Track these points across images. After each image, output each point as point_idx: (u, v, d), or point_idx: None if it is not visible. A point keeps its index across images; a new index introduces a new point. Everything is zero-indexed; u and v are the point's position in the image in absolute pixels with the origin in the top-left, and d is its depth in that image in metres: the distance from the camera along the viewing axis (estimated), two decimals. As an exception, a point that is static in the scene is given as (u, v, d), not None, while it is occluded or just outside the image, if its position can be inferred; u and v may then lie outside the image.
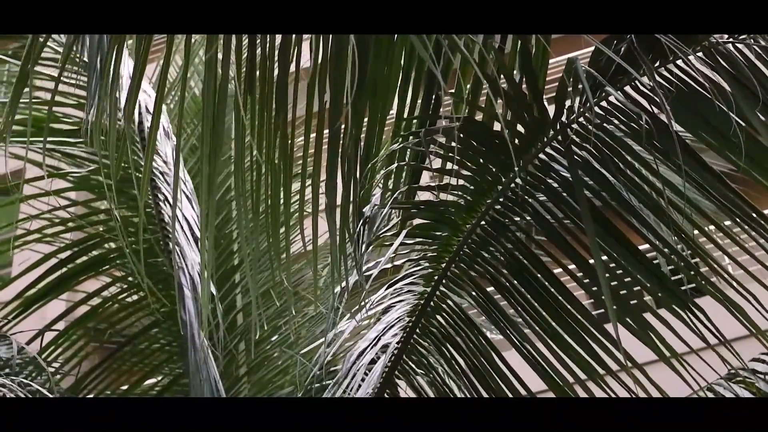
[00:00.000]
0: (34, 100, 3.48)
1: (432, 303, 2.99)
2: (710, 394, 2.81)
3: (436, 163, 2.64)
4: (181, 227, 3.18)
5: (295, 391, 3.86)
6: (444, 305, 3.01)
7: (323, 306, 3.95)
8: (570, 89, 2.35)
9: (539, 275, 2.76)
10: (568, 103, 2.42)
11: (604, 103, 2.45)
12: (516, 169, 2.54)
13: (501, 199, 2.67)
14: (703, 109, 2.31)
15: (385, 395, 3.14)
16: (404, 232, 2.75)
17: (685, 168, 2.31)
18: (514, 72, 2.48)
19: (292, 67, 2.09)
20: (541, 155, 2.55)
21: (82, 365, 3.90)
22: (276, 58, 2.06)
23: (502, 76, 2.44)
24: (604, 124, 2.47)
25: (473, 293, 2.93)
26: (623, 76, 2.36)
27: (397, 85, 2.43)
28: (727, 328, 2.54)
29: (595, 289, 2.71)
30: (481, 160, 2.58)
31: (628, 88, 2.41)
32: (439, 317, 3.04)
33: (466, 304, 2.98)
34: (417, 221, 2.82)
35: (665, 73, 2.36)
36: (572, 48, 4.55)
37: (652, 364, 2.65)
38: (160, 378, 4.12)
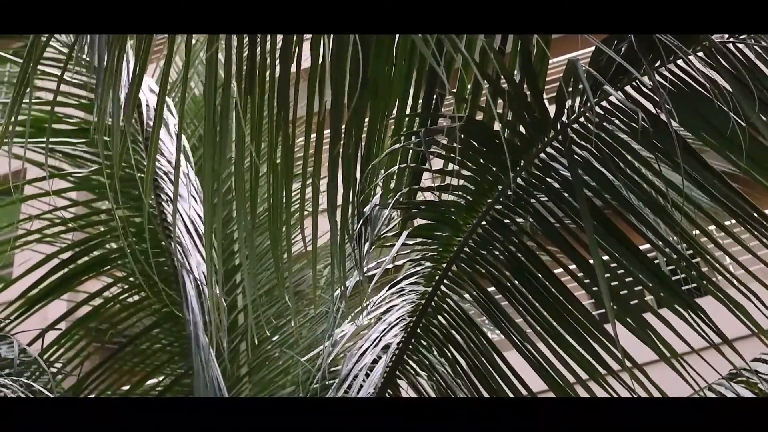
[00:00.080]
0: (35, 100, 3.48)
1: (433, 303, 3.00)
2: (711, 394, 2.81)
3: (437, 163, 2.64)
4: (185, 226, 3.18)
5: (297, 391, 3.86)
6: (445, 305, 3.02)
7: (325, 306, 3.95)
8: (570, 89, 2.35)
9: (540, 275, 2.76)
10: (568, 103, 2.43)
11: (604, 103, 2.45)
12: (517, 168, 2.54)
13: (502, 199, 2.67)
14: (703, 108, 2.31)
15: (387, 395, 3.15)
16: (406, 232, 2.75)
17: (686, 167, 2.31)
18: (515, 72, 2.48)
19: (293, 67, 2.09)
20: (542, 155, 2.55)
21: (84, 365, 3.90)
22: (277, 58, 2.06)
23: (502, 76, 2.44)
24: (605, 124, 2.47)
25: (474, 293, 2.93)
26: (624, 76, 2.36)
27: (398, 85, 2.43)
28: (729, 328, 2.54)
29: (595, 289, 2.71)
30: (482, 160, 2.58)
31: (628, 88, 2.41)
32: (440, 317, 3.04)
33: (467, 304, 2.99)
34: (418, 221, 2.82)
35: (666, 73, 2.36)
36: (572, 48, 4.55)
37: (653, 363, 2.65)
38: (161, 378, 4.12)
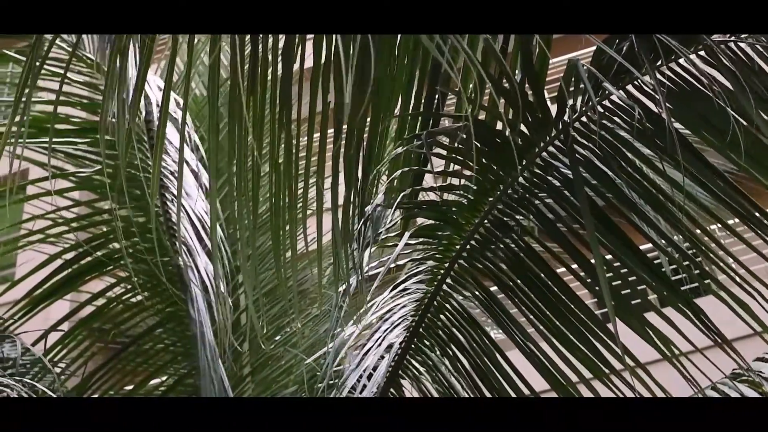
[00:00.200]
0: (38, 100, 3.49)
1: (435, 302, 3.00)
2: (715, 394, 2.80)
3: (439, 162, 2.64)
4: (192, 225, 3.18)
5: (299, 391, 3.86)
6: (447, 305, 3.02)
7: (327, 305, 3.95)
8: (572, 89, 2.35)
9: (542, 274, 2.76)
10: (570, 102, 2.43)
11: (606, 102, 2.46)
12: (519, 168, 2.54)
13: (504, 198, 2.67)
14: (704, 107, 2.31)
15: (389, 395, 3.15)
16: (408, 232, 2.75)
17: (688, 166, 2.31)
18: (516, 72, 2.48)
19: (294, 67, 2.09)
20: (544, 154, 2.55)
21: (87, 365, 3.90)
22: (279, 58, 2.06)
23: (504, 76, 2.44)
24: (607, 123, 2.47)
25: (476, 292, 2.93)
26: (625, 75, 2.36)
27: (400, 84, 2.43)
28: (733, 327, 2.54)
29: (598, 288, 2.71)
30: (484, 160, 2.58)
31: (630, 87, 2.41)
32: (442, 317, 3.04)
33: (470, 303, 2.99)
34: (420, 221, 2.83)
35: (667, 72, 2.36)
36: (573, 48, 4.55)
37: (657, 363, 2.65)
38: (164, 378, 4.13)
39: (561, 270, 2.79)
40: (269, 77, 2.08)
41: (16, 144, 1.92)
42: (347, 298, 2.87)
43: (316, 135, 2.22)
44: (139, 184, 3.53)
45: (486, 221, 2.74)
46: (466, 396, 3.06)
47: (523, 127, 2.49)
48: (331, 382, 3.22)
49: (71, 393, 3.75)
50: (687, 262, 2.57)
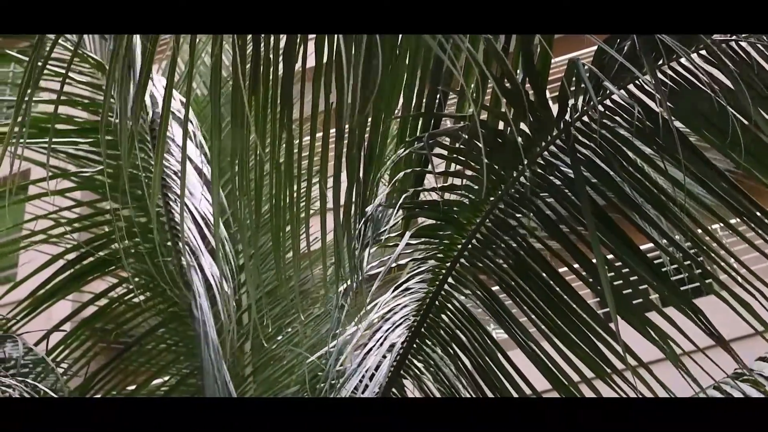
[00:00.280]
0: (39, 100, 3.49)
1: (437, 302, 3.00)
2: (717, 393, 2.80)
3: (441, 162, 2.64)
4: (196, 224, 3.17)
5: (301, 391, 3.86)
6: (449, 304, 3.02)
7: (329, 305, 3.95)
8: (573, 88, 2.35)
9: (544, 274, 2.76)
10: (571, 101, 2.43)
11: (607, 102, 2.46)
12: (520, 167, 2.54)
13: (505, 198, 2.67)
14: (705, 107, 2.31)
15: (391, 395, 3.15)
16: (409, 232, 2.75)
17: (689, 165, 2.31)
18: (518, 71, 2.49)
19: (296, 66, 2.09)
20: (545, 153, 2.55)
21: (90, 365, 3.91)
22: (281, 58, 2.06)
23: (505, 76, 2.44)
24: (608, 122, 2.47)
25: (478, 292, 2.93)
26: (626, 75, 2.36)
27: (401, 84, 2.43)
28: (735, 327, 2.54)
29: (599, 288, 2.71)
30: (485, 160, 2.58)
31: (631, 87, 2.41)
32: (444, 316, 3.05)
33: (471, 303, 2.99)
34: (421, 220, 2.83)
35: (668, 71, 2.36)
36: (575, 47, 4.55)
37: (659, 362, 2.65)
38: (167, 378, 4.13)
39: (562, 269, 2.79)
40: (271, 77, 2.08)
41: (17, 144, 1.92)
42: (348, 298, 2.87)
43: (318, 135, 2.22)
44: (140, 184, 3.53)
45: (487, 221, 2.74)
46: (468, 396, 3.06)
47: (524, 127, 2.49)
48: (333, 382, 3.22)
49: (74, 393, 3.75)
50: (688, 262, 2.57)
